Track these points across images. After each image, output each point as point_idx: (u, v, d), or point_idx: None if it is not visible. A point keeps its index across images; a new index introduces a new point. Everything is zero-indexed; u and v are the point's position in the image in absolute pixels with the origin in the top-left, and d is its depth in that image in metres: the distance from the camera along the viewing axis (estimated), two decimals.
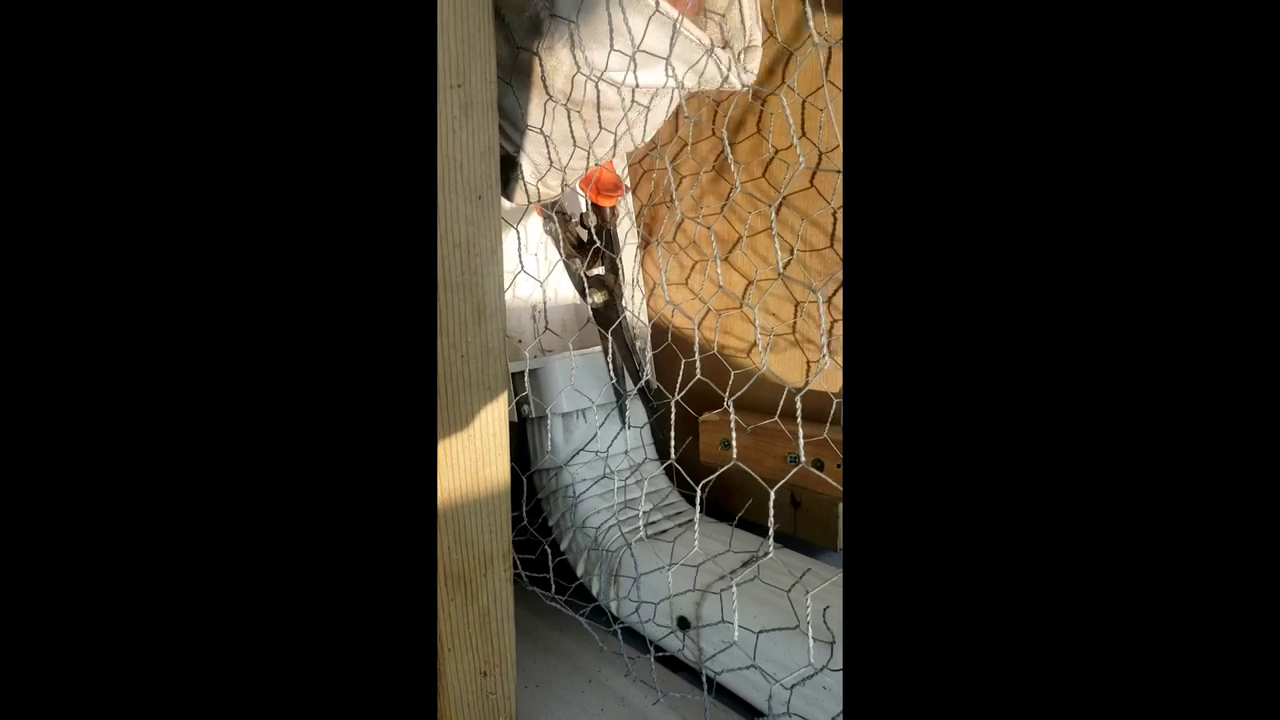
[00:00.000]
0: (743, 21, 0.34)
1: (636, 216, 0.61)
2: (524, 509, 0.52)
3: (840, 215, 0.43)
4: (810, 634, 0.35)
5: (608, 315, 0.53)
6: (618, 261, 0.53)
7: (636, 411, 0.56)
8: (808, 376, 0.50)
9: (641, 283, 0.62)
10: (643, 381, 0.54)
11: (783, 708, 0.36)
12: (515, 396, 0.54)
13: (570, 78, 0.34)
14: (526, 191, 0.42)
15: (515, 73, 0.35)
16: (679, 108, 0.46)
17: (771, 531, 0.33)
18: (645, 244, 0.62)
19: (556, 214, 0.51)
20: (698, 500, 0.37)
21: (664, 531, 0.53)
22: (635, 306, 0.60)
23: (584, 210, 0.52)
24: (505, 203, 0.44)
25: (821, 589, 0.41)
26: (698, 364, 0.39)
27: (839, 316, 0.46)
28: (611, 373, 0.53)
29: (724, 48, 0.36)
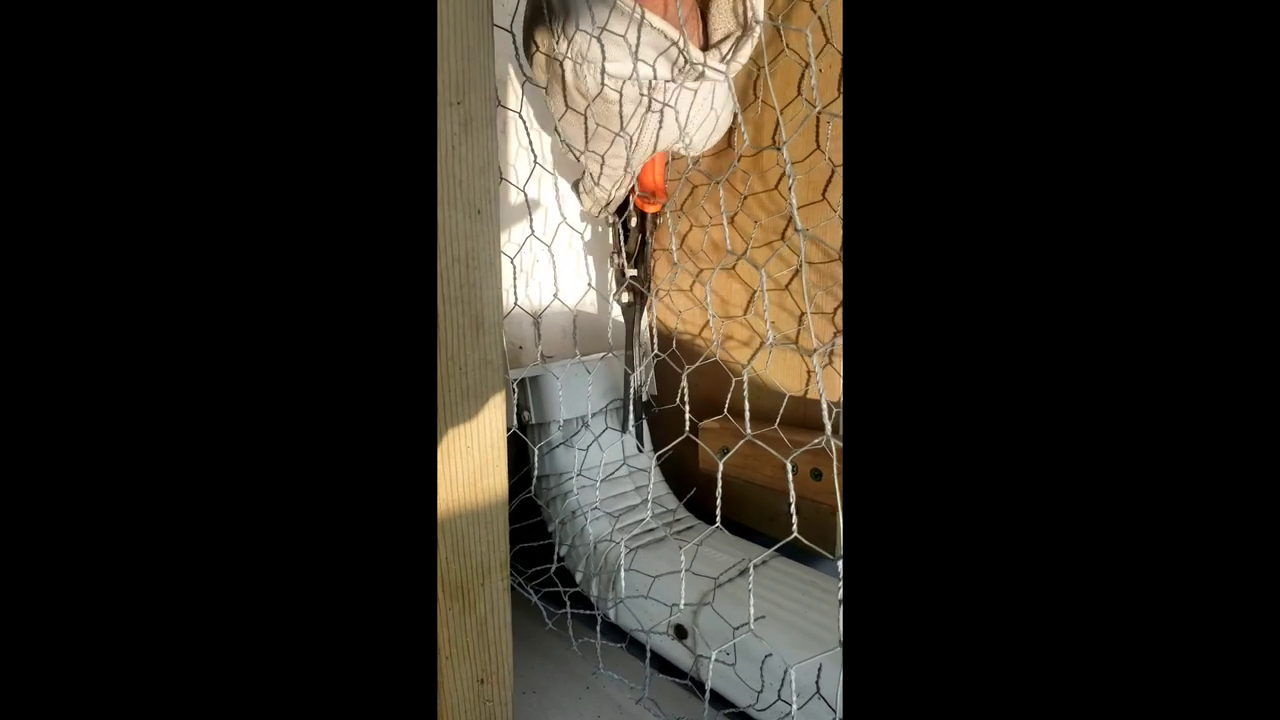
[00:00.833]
0: (737, 9, 0.36)
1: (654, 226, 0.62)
2: (556, 556, 0.53)
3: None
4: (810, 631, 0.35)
5: (631, 316, 0.54)
6: (650, 267, 0.54)
7: (631, 421, 0.56)
8: (807, 386, 0.50)
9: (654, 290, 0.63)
10: (647, 390, 0.55)
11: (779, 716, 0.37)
12: (516, 403, 0.54)
13: (549, 59, 0.36)
14: (595, 197, 0.46)
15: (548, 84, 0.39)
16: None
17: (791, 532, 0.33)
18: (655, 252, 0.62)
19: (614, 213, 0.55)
20: (682, 504, 0.38)
21: (663, 539, 0.53)
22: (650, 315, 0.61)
23: (630, 211, 0.54)
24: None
25: (821, 597, 0.41)
26: (685, 377, 0.39)
27: (840, 328, 0.46)
28: (630, 376, 0.54)
29: (717, 43, 0.38)
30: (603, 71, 0.37)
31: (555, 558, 0.53)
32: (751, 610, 0.37)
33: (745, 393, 0.33)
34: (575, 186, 0.56)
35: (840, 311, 0.46)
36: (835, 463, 0.30)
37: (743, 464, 0.54)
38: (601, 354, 0.58)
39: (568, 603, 0.48)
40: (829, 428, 0.26)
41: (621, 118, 0.40)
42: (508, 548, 0.34)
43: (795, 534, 0.29)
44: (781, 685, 0.36)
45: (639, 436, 0.58)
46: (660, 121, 0.41)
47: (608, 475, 0.56)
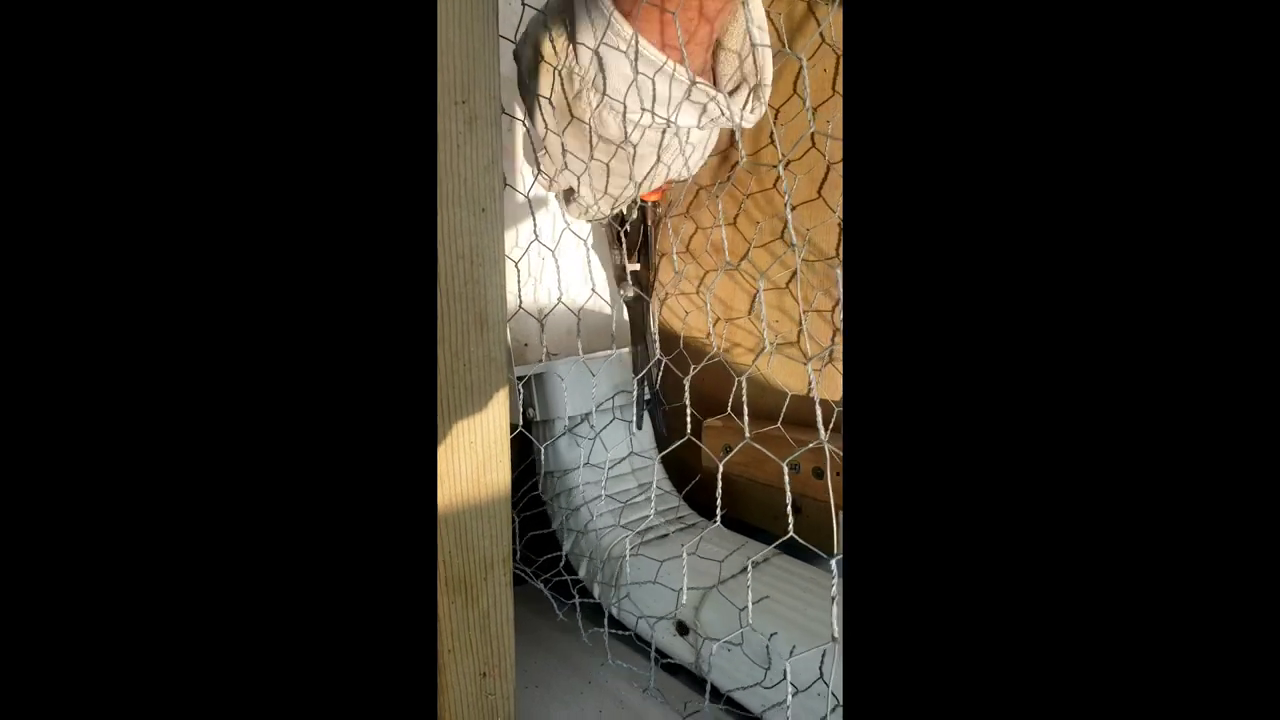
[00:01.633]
0: (757, 60, 0.34)
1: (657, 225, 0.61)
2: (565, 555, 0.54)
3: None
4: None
5: (637, 311, 0.54)
6: (652, 260, 0.53)
7: (644, 416, 0.56)
8: (809, 386, 0.51)
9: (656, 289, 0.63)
10: (654, 388, 0.55)
11: (781, 713, 0.37)
12: (521, 400, 0.54)
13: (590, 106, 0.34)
14: (586, 210, 0.44)
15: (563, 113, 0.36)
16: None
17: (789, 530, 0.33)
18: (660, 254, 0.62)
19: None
20: (683, 501, 0.38)
21: (666, 536, 0.53)
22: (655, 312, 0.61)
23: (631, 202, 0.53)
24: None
25: (820, 594, 0.41)
26: (688, 375, 0.40)
27: (839, 327, 0.46)
28: (641, 373, 0.54)
29: (737, 90, 0.36)
30: (625, 115, 0.34)
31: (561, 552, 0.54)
32: (750, 598, 0.37)
33: (744, 396, 0.33)
34: (563, 198, 0.53)
35: (838, 310, 0.46)
36: (829, 463, 0.30)
37: (746, 462, 0.54)
38: (606, 351, 0.59)
39: (576, 595, 0.48)
40: (823, 432, 0.27)
41: (632, 161, 0.37)
42: (510, 543, 0.34)
43: (791, 533, 0.29)
44: (780, 677, 0.36)
45: (656, 427, 0.57)
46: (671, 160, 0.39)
47: (612, 472, 0.56)
